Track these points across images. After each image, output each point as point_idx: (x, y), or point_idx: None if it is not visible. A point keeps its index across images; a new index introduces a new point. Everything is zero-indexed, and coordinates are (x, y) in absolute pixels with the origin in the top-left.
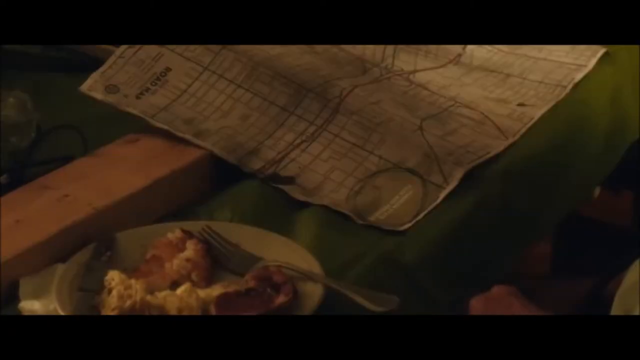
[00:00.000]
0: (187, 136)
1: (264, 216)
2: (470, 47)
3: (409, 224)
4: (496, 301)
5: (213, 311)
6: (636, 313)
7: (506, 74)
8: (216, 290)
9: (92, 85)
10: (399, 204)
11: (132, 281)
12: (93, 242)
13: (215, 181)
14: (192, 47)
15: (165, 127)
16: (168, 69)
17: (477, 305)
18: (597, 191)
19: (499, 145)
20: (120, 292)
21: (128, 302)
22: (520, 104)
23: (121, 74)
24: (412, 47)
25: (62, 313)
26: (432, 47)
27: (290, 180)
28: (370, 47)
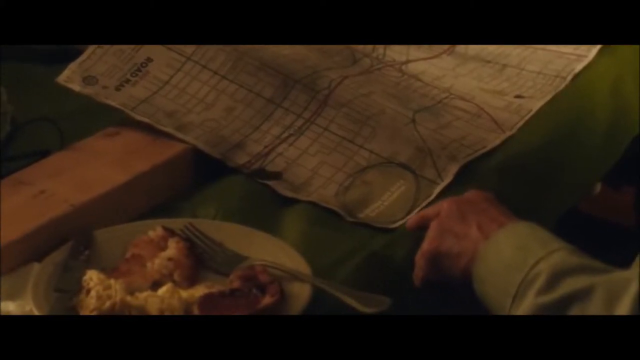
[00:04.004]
0: (169, 129)
1: (250, 213)
2: None
3: (401, 221)
4: (470, 204)
5: (196, 312)
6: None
7: (503, 65)
8: (199, 291)
9: (70, 77)
10: (390, 201)
11: (112, 281)
12: (70, 240)
13: (198, 176)
14: None
15: (146, 120)
16: (149, 60)
17: (449, 207)
18: (597, 187)
19: (495, 139)
20: (99, 292)
21: (107, 303)
22: (518, 96)
23: (100, 64)
24: None
25: (38, 314)
26: None
27: (276, 175)
28: None
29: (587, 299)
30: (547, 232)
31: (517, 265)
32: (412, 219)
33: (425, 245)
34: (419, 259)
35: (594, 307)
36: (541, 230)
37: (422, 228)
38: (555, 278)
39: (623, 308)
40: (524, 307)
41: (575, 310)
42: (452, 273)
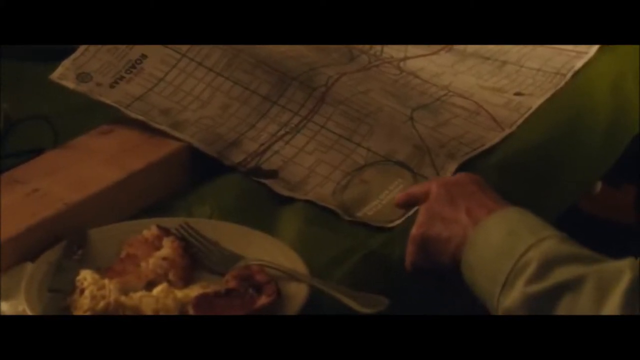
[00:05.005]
0: (164, 127)
1: (246, 212)
2: None
3: (399, 221)
4: (459, 187)
5: (191, 312)
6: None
7: (502, 61)
8: (194, 291)
9: (63, 74)
10: (388, 199)
11: (106, 281)
12: (64, 239)
13: (193, 175)
14: None
15: (141, 117)
16: (144, 56)
17: (438, 190)
18: (598, 186)
19: (494, 137)
20: (92, 292)
21: (101, 304)
22: (517, 93)
23: (94, 61)
24: None
25: (31, 314)
26: None
27: (273, 174)
28: None
29: (578, 289)
30: (538, 218)
31: (506, 252)
32: (399, 195)
33: (414, 230)
34: (409, 244)
35: (585, 298)
36: (531, 217)
37: (409, 206)
38: (545, 267)
39: (614, 299)
40: (513, 296)
41: (565, 301)
42: (440, 258)
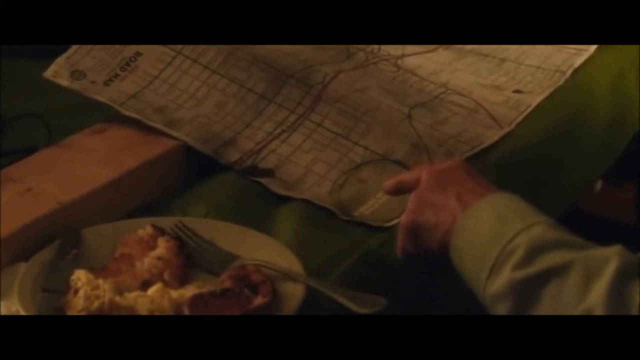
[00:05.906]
0: (159, 125)
1: (241, 211)
2: None
3: (397, 220)
4: (448, 174)
5: (186, 313)
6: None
7: (501, 59)
8: (190, 291)
9: (57, 71)
10: (385, 198)
11: (100, 281)
12: (58, 239)
13: (189, 174)
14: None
15: (136, 115)
16: (138, 54)
17: (428, 178)
18: (598, 185)
19: (493, 135)
20: (87, 292)
21: (95, 304)
22: (516, 91)
23: (88, 59)
24: None
25: (24, 315)
26: None
27: (269, 172)
28: None
29: (565, 275)
30: (528, 204)
31: (494, 237)
32: (389, 181)
33: (404, 217)
34: (399, 232)
35: (571, 284)
36: (521, 202)
37: (398, 192)
38: (533, 252)
39: (601, 286)
40: (500, 281)
41: (552, 286)
42: (430, 245)
